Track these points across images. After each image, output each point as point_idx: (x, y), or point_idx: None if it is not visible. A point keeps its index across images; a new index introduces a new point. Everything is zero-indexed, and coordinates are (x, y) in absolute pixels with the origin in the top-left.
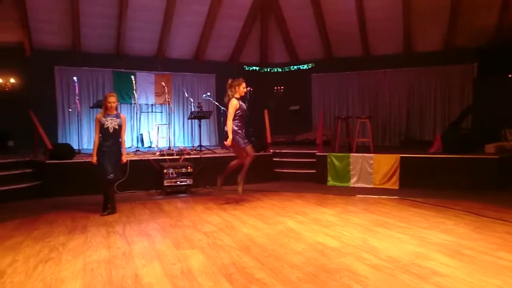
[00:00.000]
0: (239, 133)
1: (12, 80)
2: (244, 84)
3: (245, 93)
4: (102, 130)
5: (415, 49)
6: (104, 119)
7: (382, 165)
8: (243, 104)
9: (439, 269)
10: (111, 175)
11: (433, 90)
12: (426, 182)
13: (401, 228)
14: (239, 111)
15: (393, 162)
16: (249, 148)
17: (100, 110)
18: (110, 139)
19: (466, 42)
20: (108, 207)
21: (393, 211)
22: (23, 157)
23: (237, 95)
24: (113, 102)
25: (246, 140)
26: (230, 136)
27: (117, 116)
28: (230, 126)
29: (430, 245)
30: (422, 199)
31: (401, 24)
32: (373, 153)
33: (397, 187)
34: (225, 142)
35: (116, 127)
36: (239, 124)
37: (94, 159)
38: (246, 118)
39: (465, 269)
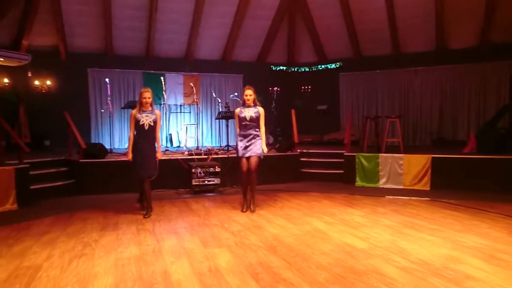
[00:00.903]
0: (238, 143)
1: (48, 83)
2: (247, 91)
3: (250, 100)
4: (138, 126)
5: (448, 46)
6: (139, 115)
7: (413, 166)
8: (243, 112)
9: (473, 273)
10: (146, 172)
11: (467, 88)
12: (459, 184)
13: (432, 230)
14: (239, 120)
15: (424, 163)
16: (243, 161)
17: (131, 110)
18: (145, 136)
19: (502, 38)
20: (144, 206)
21: (424, 213)
22: (58, 156)
23: (245, 104)
24: (148, 98)
25: (243, 152)
26: (264, 143)
27: (152, 112)
28: (263, 133)
29: (464, 249)
30: (454, 201)
31: (433, 20)
32: (403, 153)
33: (428, 188)
34: (265, 151)
35: (152, 123)
36: (242, 133)
37: (130, 156)
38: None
39: (501, 274)
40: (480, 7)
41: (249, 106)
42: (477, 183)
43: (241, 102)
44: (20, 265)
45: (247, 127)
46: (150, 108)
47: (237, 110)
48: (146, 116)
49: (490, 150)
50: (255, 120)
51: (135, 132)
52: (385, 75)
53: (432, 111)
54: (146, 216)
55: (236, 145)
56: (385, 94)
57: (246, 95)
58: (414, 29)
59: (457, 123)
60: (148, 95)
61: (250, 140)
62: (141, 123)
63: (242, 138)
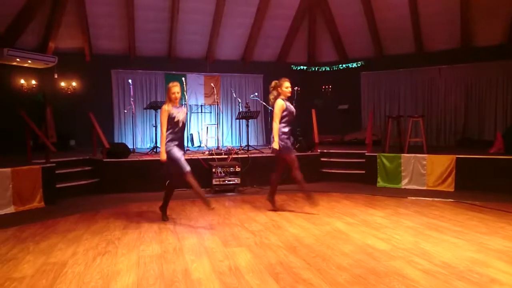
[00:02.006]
0: (284, 138)
1: (73, 84)
2: (287, 84)
3: (291, 93)
4: (172, 122)
5: (474, 43)
6: (173, 110)
7: (436, 166)
8: (291, 106)
9: (499, 277)
10: (188, 167)
11: (494, 86)
12: (485, 185)
13: (456, 232)
14: (285, 113)
15: (449, 163)
16: (293, 157)
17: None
18: (180, 132)
19: None
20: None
21: (448, 214)
22: (83, 156)
23: (282, 96)
24: (178, 93)
25: (291, 147)
26: (276, 139)
27: (182, 108)
28: (276, 128)
29: (489, 252)
30: (480, 202)
31: (459, 17)
32: (427, 153)
33: (452, 190)
34: (272, 147)
35: (185, 120)
36: (286, 128)
37: (164, 156)
38: (293, 121)
39: None
40: (507, 1)
41: (287, 99)
42: (504, 184)
43: (275, 96)
44: (46, 261)
45: (291, 122)
46: (178, 105)
47: (282, 103)
48: (178, 112)
49: None
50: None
51: (169, 130)
52: (408, 74)
53: (457, 110)
54: (212, 207)
55: (281, 139)
56: (408, 93)
57: (287, 87)
58: (437, 26)
59: (483, 122)
60: (177, 89)
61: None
62: (176, 119)
63: (283, 134)
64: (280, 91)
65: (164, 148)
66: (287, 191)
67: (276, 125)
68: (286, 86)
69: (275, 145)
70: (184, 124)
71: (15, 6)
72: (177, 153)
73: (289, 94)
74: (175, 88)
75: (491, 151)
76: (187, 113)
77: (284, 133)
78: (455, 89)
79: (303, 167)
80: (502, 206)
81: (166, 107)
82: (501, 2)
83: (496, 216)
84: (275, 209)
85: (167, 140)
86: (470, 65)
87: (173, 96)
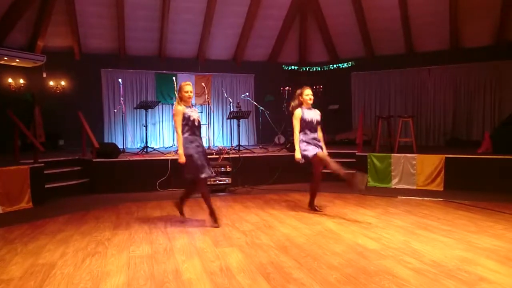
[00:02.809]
0: (306, 144)
1: (62, 83)
2: (307, 91)
3: (312, 100)
4: (189, 122)
5: (463, 45)
6: (188, 109)
7: (426, 166)
8: (309, 114)
9: (488, 275)
10: (206, 172)
11: (482, 87)
12: (473, 184)
13: (446, 231)
14: (302, 122)
15: (438, 163)
16: (316, 158)
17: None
18: (198, 132)
19: None
20: (182, 210)
21: (438, 213)
22: (72, 156)
23: (305, 105)
24: (191, 92)
25: (311, 149)
26: (297, 148)
27: (194, 108)
28: (296, 138)
29: (478, 250)
30: (469, 201)
31: (448, 18)
32: (416, 153)
33: (441, 189)
34: (296, 157)
35: (200, 119)
36: (305, 135)
37: (183, 159)
38: (315, 127)
39: None
40: (496, 3)
41: (309, 108)
42: (492, 183)
43: (294, 105)
44: (35, 262)
45: (310, 129)
46: (190, 104)
47: (299, 113)
48: (192, 111)
49: (505, 150)
50: (318, 125)
51: (186, 131)
52: (398, 74)
53: (446, 110)
54: (217, 225)
55: (301, 147)
56: (398, 93)
57: (308, 95)
58: (427, 27)
59: (472, 122)
60: (190, 88)
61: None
62: (192, 118)
63: (305, 140)
64: (301, 99)
65: (182, 149)
66: (278, 191)
67: (295, 135)
68: (307, 94)
69: (297, 154)
70: (200, 123)
71: (2, 3)
72: (195, 154)
73: (310, 102)
74: (188, 87)
75: (479, 151)
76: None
77: (303, 141)
78: (444, 89)
79: (294, 167)
80: (491, 205)
81: (179, 107)
82: (489, 4)
83: (484, 215)
84: (318, 210)
85: (185, 141)
86: (459, 65)
87: (186, 95)
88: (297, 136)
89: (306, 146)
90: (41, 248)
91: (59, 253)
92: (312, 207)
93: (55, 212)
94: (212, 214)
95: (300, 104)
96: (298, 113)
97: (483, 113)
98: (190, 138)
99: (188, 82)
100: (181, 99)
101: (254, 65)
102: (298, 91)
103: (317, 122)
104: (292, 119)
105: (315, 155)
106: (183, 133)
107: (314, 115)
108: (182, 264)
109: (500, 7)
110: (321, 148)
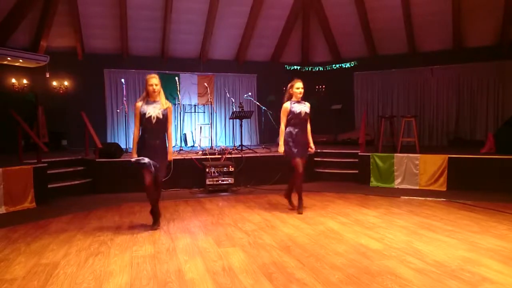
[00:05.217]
0: (289, 141)
1: (65, 83)
2: (297, 84)
3: (302, 93)
4: (143, 120)
5: (466, 44)
6: (145, 106)
7: (429, 166)
8: (298, 107)
9: (491, 276)
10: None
11: (486, 86)
12: (477, 184)
13: (448, 231)
14: (290, 116)
15: (441, 163)
16: (297, 161)
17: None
18: (153, 131)
19: None
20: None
21: (440, 213)
22: (75, 156)
23: (294, 98)
24: (156, 85)
25: (296, 150)
26: (281, 143)
27: (160, 103)
28: (281, 132)
29: (481, 250)
30: (472, 202)
31: (450, 18)
32: (419, 153)
33: (444, 189)
34: (279, 151)
35: (160, 116)
36: (293, 131)
37: (135, 157)
38: (304, 123)
39: None
40: (499, 3)
41: (299, 102)
42: (495, 184)
43: (286, 98)
44: (38, 262)
45: (298, 124)
46: (158, 99)
47: (286, 106)
48: (154, 107)
49: (508, 150)
50: (306, 117)
51: (141, 128)
52: (401, 74)
53: (449, 110)
54: (155, 227)
55: (285, 143)
56: (401, 93)
57: (298, 88)
58: (430, 27)
59: (475, 122)
60: (155, 81)
61: (303, 139)
62: (147, 115)
63: (289, 137)
64: (291, 92)
65: (135, 148)
66: (280, 191)
67: (281, 129)
68: (297, 87)
69: (280, 149)
70: (159, 120)
71: (6, 4)
72: (143, 155)
73: (299, 95)
74: (153, 79)
75: (482, 151)
76: (172, 109)
77: (289, 136)
78: (447, 89)
79: None
80: (494, 205)
81: (137, 103)
82: (492, 4)
83: (487, 215)
84: (293, 207)
85: (140, 139)
86: (462, 65)
87: (150, 88)
88: (283, 130)
89: (291, 143)
90: (44, 248)
91: (62, 253)
92: (289, 199)
93: (58, 212)
94: (156, 219)
95: (290, 97)
96: (285, 107)
97: (486, 113)
98: (141, 136)
99: (153, 75)
100: (146, 93)
101: (256, 65)
102: (289, 84)
103: (306, 114)
104: (280, 113)
105: (295, 159)
106: (140, 132)
107: (303, 107)
108: (185, 264)
109: (503, 6)
110: (308, 147)
